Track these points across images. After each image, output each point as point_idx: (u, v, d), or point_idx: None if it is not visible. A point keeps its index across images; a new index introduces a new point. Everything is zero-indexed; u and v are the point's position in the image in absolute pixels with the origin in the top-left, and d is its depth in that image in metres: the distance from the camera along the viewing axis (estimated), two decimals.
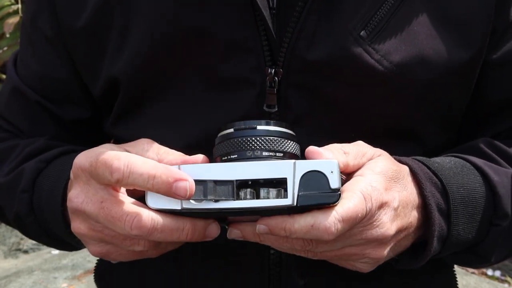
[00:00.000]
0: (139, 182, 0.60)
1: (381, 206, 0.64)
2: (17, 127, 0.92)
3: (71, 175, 0.68)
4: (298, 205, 0.59)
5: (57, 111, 0.90)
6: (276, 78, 0.75)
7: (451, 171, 0.74)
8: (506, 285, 3.53)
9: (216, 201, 0.60)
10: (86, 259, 3.58)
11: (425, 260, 0.72)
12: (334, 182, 0.59)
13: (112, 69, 0.81)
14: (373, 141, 0.78)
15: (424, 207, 0.71)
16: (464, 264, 0.84)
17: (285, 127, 0.66)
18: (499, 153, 0.80)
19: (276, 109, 0.76)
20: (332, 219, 0.59)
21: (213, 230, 0.65)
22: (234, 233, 0.65)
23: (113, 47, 0.80)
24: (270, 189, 0.60)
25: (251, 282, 0.82)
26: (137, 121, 0.83)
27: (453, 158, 0.79)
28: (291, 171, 0.60)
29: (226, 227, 0.66)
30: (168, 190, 0.59)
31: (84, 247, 0.81)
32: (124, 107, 0.84)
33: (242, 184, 0.60)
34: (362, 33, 0.74)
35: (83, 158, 0.64)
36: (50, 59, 0.88)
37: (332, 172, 0.59)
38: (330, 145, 0.66)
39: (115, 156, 0.61)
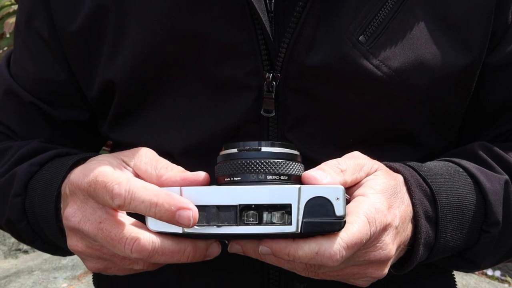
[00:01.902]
0: (141, 209, 0.59)
1: (385, 228, 0.63)
2: (11, 128, 0.91)
3: (67, 190, 0.66)
4: (302, 232, 0.58)
5: (52, 113, 0.89)
6: (274, 83, 0.74)
7: (442, 178, 0.74)
8: (506, 285, 3.53)
9: (219, 226, 0.59)
10: None
11: (411, 267, 0.72)
12: (339, 209, 0.58)
13: (107, 73, 0.80)
14: (371, 146, 0.78)
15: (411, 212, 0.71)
16: (454, 268, 0.84)
17: (289, 148, 0.65)
18: (495, 158, 0.79)
19: (274, 114, 0.76)
20: (337, 247, 0.58)
21: (214, 249, 0.64)
22: (235, 248, 0.64)
23: (108, 51, 0.80)
24: (274, 212, 0.59)
25: (250, 287, 0.82)
26: (133, 125, 0.83)
27: (447, 162, 0.78)
28: (295, 197, 0.58)
29: (227, 242, 0.66)
30: (171, 219, 0.58)
31: None
32: (120, 111, 0.83)
33: (246, 208, 0.59)
34: (360, 38, 0.74)
35: (80, 176, 0.63)
36: (47, 61, 0.87)
37: (337, 198, 0.58)
38: (326, 163, 0.65)
39: (115, 180, 0.59)
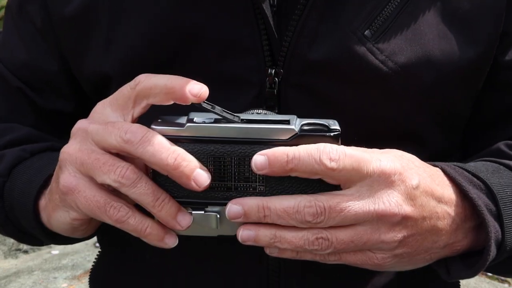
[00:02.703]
0: (159, 81, 0.61)
1: (393, 174, 0.61)
2: None
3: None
4: (300, 133, 0.60)
5: (38, 101, 0.88)
6: (276, 79, 0.73)
7: (488, 173, 0.71)
8: (506, 285, 3.53)
9: (221, 119, 0.61)
10: (86, 259, 3.58)
11: (482, 268, 0.68)
12: (334, 127, 0.62)
13: (100, 64, 0.79)
14: (376, 144, 0.76)
15: (462, 207, 0.67)
16: (504, 272, 0.81)
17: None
18: None
19: (276, 111, 0.74)
20: (335, 147, 0.60)
21: (202, 175, 0.61)
22: (234, 209, 0.61)
23: (102, 41, 0.79)
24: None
25: None
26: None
27: (484, 162, 0.75)
28: (294, 118, 0.62)
29: (219, 216, 0.64)
30: (183, 87, 0.60)
31: (51, 243, 0.80)
32: None
33: (248, 121, 0.62)
34: (366, 32, 0.72)
35: (86, 121, 0.67)
36: (39, 49, 0.85)
37: (332, 123, 0.62)
38: None
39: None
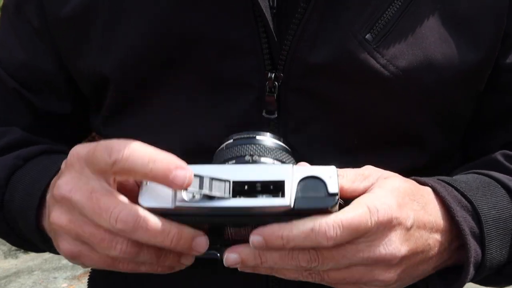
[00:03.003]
0: (138, 165, 0.57)
1: (390, 222, 0.61)
2: None
3: (63, 165, 0.64)
4: (295, 207, 0.57)
5: (35, 102, 0.86)
6: (276, 83, 0.72)
7: (479, 191, 0.71)
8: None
9: (211, 198, 0.58)
10: None
11: (461, 287, 0.69)
12: (332, 187, 0.58)
13: (99, 64, 0.78)
14: (376, 148, 0.76)
15: (450, 231, 0.68)
16: (491, 284, 0.81)
17: (283, 142, 0.65)
18: None
19: (276, 115, 0.74)
20: (331, 222, 0.57)
21: (201, 242, 0.61)
22: (232, 257, 0.61)
23: (100, 42, 0.78)
24: (267, 188, 0.58)
25: None
26: (128, 123, 0.80)
27: (476, 175, 0.75)
28: (289, 174, 0.58)
29: (220, 254, 0.64)
30: (166, 177, 0.56)
31: (50, 251, 0.78)
32: (115, 108, 0.81)
33: (239, 186, 0.59)
34: (367, 36, 0.72)
35: (81, 147, 0.62)
36: (37, 49, 0.84)
37: (330, 177, 0.59)
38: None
39: (116, 141, 0.58)
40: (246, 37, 0.73)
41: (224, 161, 0.63)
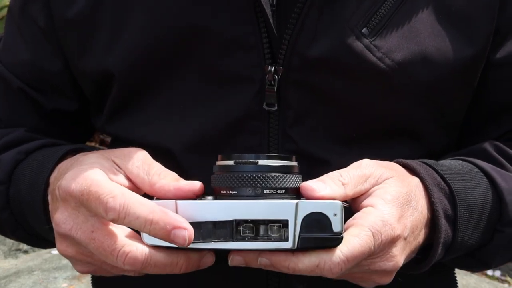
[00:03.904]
0: (135, 225, 0.58)
1: (392, 241, 0.63)
2: None
3: (57, 193, 0.64)
4: (299, 247, 0.58)
5: (41, 100, 0.88)
6: (276, 76, 0.74)
7: (459, 176, 0.74)
8: (506, 285, 3.53)
9: (215, 242, 0.59)
10: None
11: (428, 266, 0.72)
12: (336, 225, 0.58)
13: (104, 62, 0.79)
14: (374, 141, 0.78)
15: (431, 213, 0.70)
16: (464, 267, 0.84)
17: (287, 160, 0.64)
18: (506, 158, 0.79)
19: (276, 108, 0.76)
20: (337, 260, 0.59)
21: (208, 260, 0.64)
22: (236, 260, 0.63)
23: (106, 40, 0.79)
24: (270, 227, 0.59)
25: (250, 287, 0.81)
26: (132, 119, 0.82)
27: (461, 161, 0.78)
28: (292, 212, 0.58)
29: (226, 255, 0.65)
30: (166, 237, 0.57)
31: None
32: (119, 105, 0.82)
33: (242, 222, 0.59)
34: (364, 30, 0.74)
35: (71, 183, 0.61)
36: (41, 49, 0.86)
37: (335, 214, 0.58)
38: (327, 174, 0.65)
39: (109, 193, 0.58)
40: (247, 34, 0.75)
41: (225, 189, 0.62)
